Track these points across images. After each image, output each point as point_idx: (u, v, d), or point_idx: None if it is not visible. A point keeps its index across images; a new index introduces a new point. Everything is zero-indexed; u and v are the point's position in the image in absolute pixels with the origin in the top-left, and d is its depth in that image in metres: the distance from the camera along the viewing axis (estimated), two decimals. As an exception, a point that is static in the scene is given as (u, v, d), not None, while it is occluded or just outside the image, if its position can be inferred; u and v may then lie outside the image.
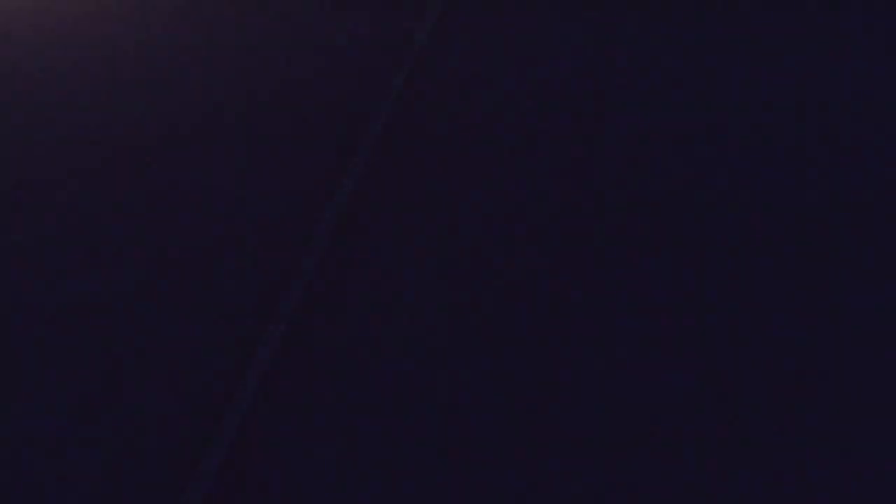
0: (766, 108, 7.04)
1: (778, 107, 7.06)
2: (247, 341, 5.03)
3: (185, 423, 4.53)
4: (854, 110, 7.00)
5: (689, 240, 5.73)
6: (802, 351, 4.91)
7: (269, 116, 7.09)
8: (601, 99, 7.21)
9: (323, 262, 5.58)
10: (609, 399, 4.63)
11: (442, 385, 4.74)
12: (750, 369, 4.80)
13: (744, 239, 5.72)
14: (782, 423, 4.49)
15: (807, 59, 7.68)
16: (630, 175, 6.32)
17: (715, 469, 4.26)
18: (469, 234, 5.82)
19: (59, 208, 6.12)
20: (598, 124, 6.89)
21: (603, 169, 6.40)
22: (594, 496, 4.14)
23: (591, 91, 7.31)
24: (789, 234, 5.76)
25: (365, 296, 5.34)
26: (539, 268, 5.52)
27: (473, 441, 4.42)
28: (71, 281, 5.49)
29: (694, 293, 5.31)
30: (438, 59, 7.84)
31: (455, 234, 5.82)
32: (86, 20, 8.67)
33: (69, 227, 5.95)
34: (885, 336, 4.98)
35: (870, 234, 5.74)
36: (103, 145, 6.78)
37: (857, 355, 4.87)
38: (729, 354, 4.89)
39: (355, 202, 6.10)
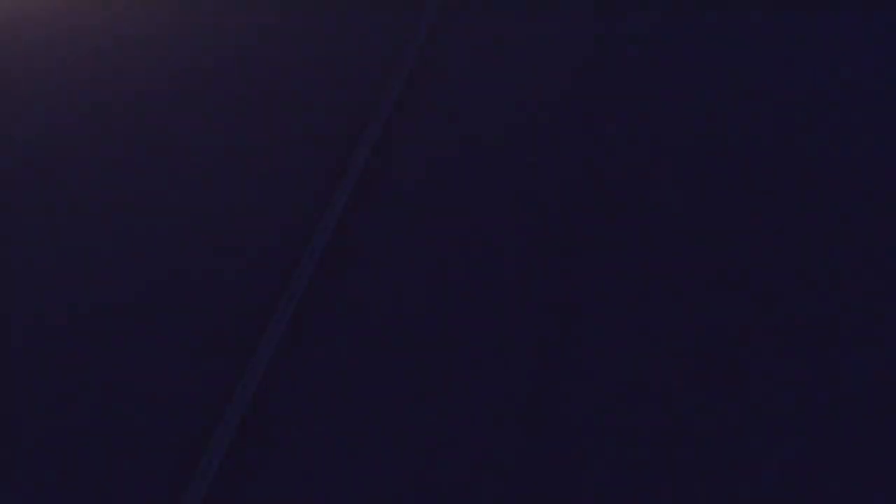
0: (774, 104, 7.05)
1: (786, 102, 7.07)
2: (247, 341, 5.04)
3: (185, 423, 4.53)
4: (863, 102, 7.00)
5: (691, 237, 5.73)
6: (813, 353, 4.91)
7: (268, 116, 7.09)
8: (604, 97, 7.22)
9: (322, 262, 5.59)
10: (612, 400, 4.64)
11: (442, 384, 4.74)
12: (751, 362, 4.81)
13: (752, 241, 5.73)
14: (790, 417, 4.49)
15: (812, 53, 7.69)
16: (635, 175, 6.33)
17: (718, 464, 4.27)
18: (469, 234, 5.82)
19: (57, 207, 6.13)
20: (602, 124, 6.90)
21: (607, 169, 6.41)
22: (595, 485, 4.14)
23: (594, 89, 7.32)
24: (805, 249, 5.77)
25: (364, 296, 5.35)
26: (541, 270, 5.53)
27: (471, 440, 4.43)
28: (68, 280, 5.50)
29: (698, 291, 5.32)
30: (438, 59, 7.85)
31: (455, 235, 5.82)
32: (80, 13, 8.68)
33: (67, 226, 5.95)
34: None
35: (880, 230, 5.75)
36: (99, 144, 6.79)
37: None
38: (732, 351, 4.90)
39: (354, 203, 6.11)
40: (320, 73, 7.68)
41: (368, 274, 5.51)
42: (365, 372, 4.83)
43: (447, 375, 4.80)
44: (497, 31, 8.32)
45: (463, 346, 4.98)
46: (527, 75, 7.60)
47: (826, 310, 5.18)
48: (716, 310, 5.19)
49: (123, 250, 5.74)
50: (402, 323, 5.14)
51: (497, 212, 6.01)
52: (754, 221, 5.88)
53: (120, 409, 4.62)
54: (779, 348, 4.93)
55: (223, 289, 5.42)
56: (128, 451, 4.39)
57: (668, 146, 6.64)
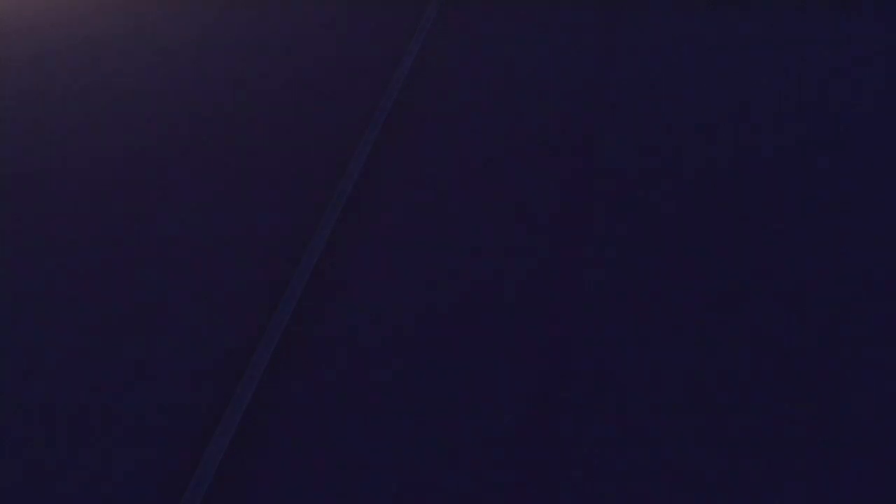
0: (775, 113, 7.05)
1: (790, 110, 7.07)
2: (247, 340, 5.05)
3: (184, 424, 4.54)
4: (860, 110, 7.01)
5: (694, 257, 5.74)
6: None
7: (267, 115, 7.09)
8: (603, 99, 7.22)
9: (321, 264, 5.60)
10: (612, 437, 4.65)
11: (441, 386, 4.75)
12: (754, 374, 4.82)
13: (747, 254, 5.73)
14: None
15: (816, 57, 7.70)
16: (630, 181, 6.33)
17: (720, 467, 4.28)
18: (466, 234, 5.83)
19: (58, 206, 6.13)
20: (599, 126, 6.90)
21: (603, 172, 6.41)
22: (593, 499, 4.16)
23: (593, 89, 7.32)
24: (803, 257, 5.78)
25: (364, 298, 5.35)
26: (539, 272, 5.54)
27: (467, 443, 4.44)
28: (66, 279, 5.50)
29: (702, 296, 5.33)
30: (437, 58, 7.85)
31: (452, 237, 5.83)
32: (79, 16, 8.67)
33: (63, 225, 5.96)
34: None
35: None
36: (100, 146, 6.79)
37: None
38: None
39: (354, 204, 6.11)
40: (319, 72, 7.68)
41: (367, 276, 5.52)
42: (365, 373, 4.84)
43: (446, 378, 4.81)
44: (498, 26, 8.32)
45: (465, 349, 4.99)
46: (528, 75, 7.59)
47: (829, 332, 5.19)
48: (715, 336, 5.20)
49: (119, 250, 5.75)
50: (401, 324, 5.15)
51: (495, 214, 6.02)
52: (754, 240, 5.89)
53: (120, 408, 4.63)
54: (782, 380, 4.94)
55: (222, 290, 5.42)
56: (128, 451, 4.40)
57: (669, 151, 6.65)
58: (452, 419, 4.55)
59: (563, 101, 7.25)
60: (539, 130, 6.89)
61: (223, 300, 5.33)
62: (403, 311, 5.24)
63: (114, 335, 5.09)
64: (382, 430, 4.50)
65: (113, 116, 7.14)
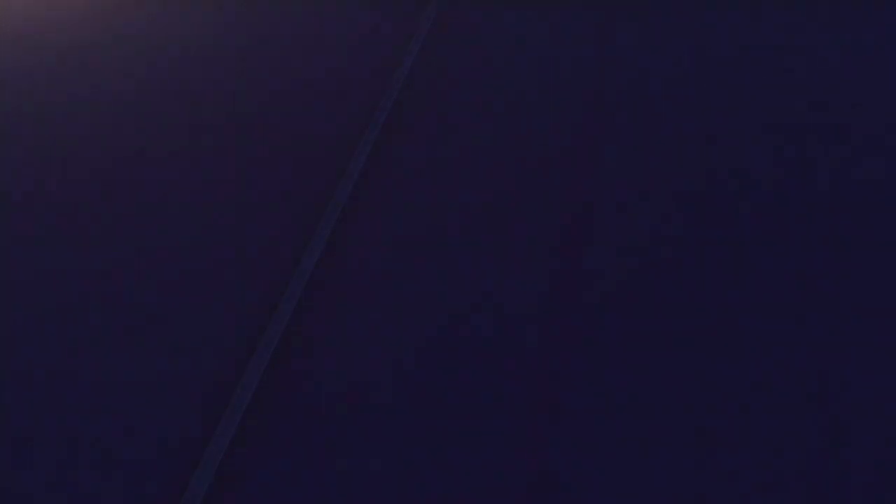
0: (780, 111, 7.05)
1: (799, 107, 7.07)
2: (247, 340, 5.05)
3: (184, 423, 4.55)
4: (862, 110, 7.01)
5: (691, 239, 5.75)
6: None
7: (267, 116, 7.09)
8: (604, 99, 7.22)
9: (320, 265, 5.60)
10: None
11: (441, 387, 4.76)
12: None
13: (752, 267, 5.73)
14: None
15: (818, 58, 7.70)
16: (632, 182, 6.33)
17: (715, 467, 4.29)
18: (466, 234, 5.83)
19: (59, 206, 6.13)
20: (600, 126, 6.91)
21: (604, 172, 6.42)
22: (593, 497, 4.16)
23: (593, 90, 7.33)
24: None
25: (363, 298, 5.36)
26: (539, 273, 5.54)
27: (464, 443, 4.44)
28: (65, 279, 5.51)
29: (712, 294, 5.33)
30: (438, 59, 7.85)
31: (452, 237, 5.83)
32: (83, 16, 8.67)
33: (63, 225, 5.96)
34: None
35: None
36: (100, 146, 6.79)
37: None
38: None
39: (354, 204, 6.12)
40: (319, 75, 7.69)
41: (366, 276, 5.53)
42: (364, 373, 4.84)
43: (445, 379, 4.82)
44: (498, 27, 8.33)
45: (463, 349, 5.00)
46: (527, 75, 7.60)
47: (830, 334, 5.19)
48: (716, 338, 5.21)
49: (119, 250, 5.75)
50: (400, 324, 5.16)
51: (492, 215, 6.02)
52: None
53: (119, 408, 4.64)
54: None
55: (222, 289, 5.43)
56: (128, 451, 4.40)
57: (668, 150, 6.65)
58: (453, 421, 4.55)
59: (563, 102, 7.25)
60: (539, 131, 6.89)
61: (223, 300, 5.33)
62: (403, 311, 5.24)
63: (113, 335, 5.09)
64: (382, 431, 4.50)
65: (113, 117, 7.14)
